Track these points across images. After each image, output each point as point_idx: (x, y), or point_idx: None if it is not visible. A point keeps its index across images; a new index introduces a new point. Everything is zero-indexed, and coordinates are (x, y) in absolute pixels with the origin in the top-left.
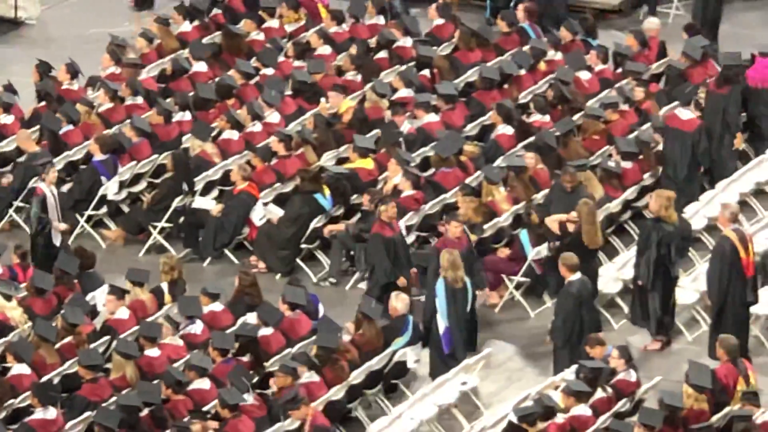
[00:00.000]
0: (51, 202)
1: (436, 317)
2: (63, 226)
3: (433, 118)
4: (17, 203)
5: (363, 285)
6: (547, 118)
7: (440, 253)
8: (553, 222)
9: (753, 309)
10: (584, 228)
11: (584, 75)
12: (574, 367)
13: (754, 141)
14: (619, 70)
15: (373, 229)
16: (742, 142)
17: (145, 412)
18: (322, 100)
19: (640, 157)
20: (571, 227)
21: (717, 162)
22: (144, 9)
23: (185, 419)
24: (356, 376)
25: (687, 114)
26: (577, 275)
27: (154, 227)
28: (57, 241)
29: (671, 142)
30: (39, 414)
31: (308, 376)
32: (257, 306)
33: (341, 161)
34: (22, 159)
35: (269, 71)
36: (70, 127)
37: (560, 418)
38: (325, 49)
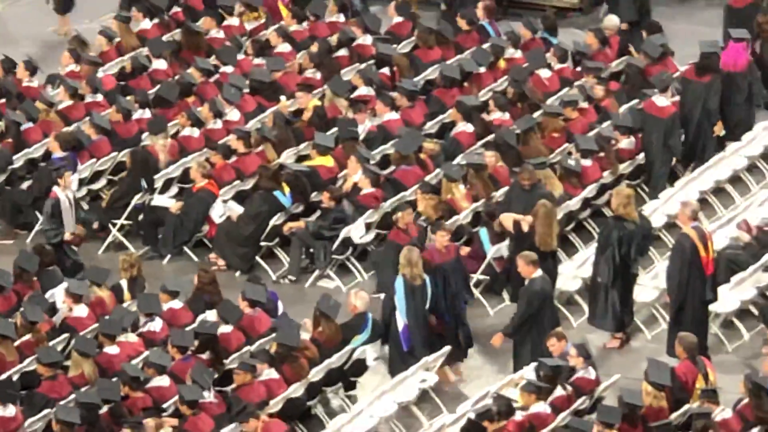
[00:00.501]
0: (66, 207)
1: (395, 315)
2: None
3: (393, 115)
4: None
5: (322, 283)
6: (506, 115)
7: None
8: (507, 219)
9: (712, 307)
10: (538, 230)
11: (544, 73)
12: (534, 364)
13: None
14: (579, 68)
15: (390, 235)
16: (721, 129)
17: (105, 409)
18: (282, 98)
19: (600, 154)
20: (525, 227)
21: (699, 151)
22: (66, 12)
23: (140, 417)
24: (316, 374)
25: (663, 101)
26: (538, 272)
27: (114, 225)
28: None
29: (649, 131)
30: None
31: (267, 374)
32: (216, 303)
33: (301, 159)
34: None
35: (228, 69)
36: (30, 124)
37: (519, 415)
38: (285, 47)
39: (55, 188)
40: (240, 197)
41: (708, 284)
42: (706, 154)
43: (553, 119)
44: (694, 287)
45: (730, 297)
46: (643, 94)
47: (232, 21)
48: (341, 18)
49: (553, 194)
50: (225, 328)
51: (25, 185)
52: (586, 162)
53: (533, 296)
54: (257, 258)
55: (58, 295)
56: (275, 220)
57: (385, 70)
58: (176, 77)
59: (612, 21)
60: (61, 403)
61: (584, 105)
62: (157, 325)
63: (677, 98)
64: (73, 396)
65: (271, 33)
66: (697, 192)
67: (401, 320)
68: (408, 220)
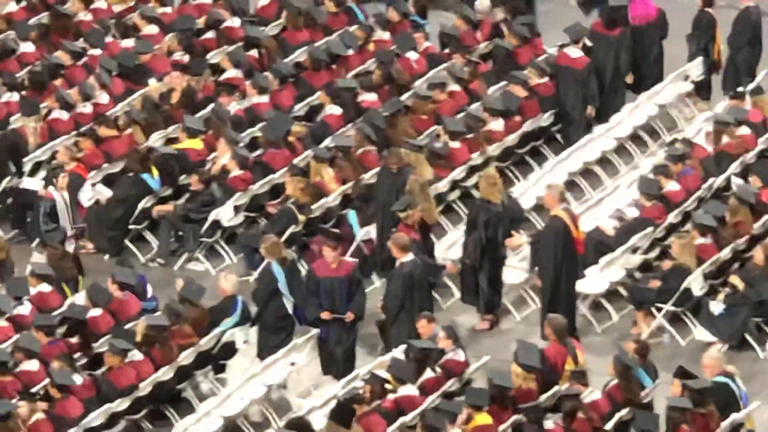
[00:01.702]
0: (61, 207)
1: (273, 300)
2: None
3: (261, 98)
4: None
5: (191, 265)
6: (374, 97)
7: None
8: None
9: (581, 288)
10: (422, 205)
11: (412, 55)
12: (403, 346)
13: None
14: (447, 50)
15: (398, 229)
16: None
17: None
18: (151, 80)
19: (469, 136)
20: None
21: (607, 104)
22: None
23: (13, 400)
24: (185, 357)
25: (576, 52)
26: (409, 256)
27: None
28: (71, 249)
29: (564, 82)
30: None
31: (133, 355)
32: (73, 279)
33: (170, 142)
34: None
35: (96, 52)
36: None
37: (389, 397)
38: (152, 29)
39: (50, 189)
40: (109, 180)
41: (580, 265)
42: (616, 107)
43: (423, 102)
44: (568, 268)
45: (599, 278)
46: (512, 76)
47: (100, 4)
48: (209, 0)
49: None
50: (94, 312)
51: None
52: (455, 144)
53: (402, 279)
54: (126, 241)
55: None
56: (144, 203)
57: (254, 53)
58: (44, 60)
59: (483, 4)
60: None
61: (454, 87)
62: (26, 309)
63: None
64: None
65: (137, 16)
66: (566, 174)
67: (289, 302)
68: (416, 218)
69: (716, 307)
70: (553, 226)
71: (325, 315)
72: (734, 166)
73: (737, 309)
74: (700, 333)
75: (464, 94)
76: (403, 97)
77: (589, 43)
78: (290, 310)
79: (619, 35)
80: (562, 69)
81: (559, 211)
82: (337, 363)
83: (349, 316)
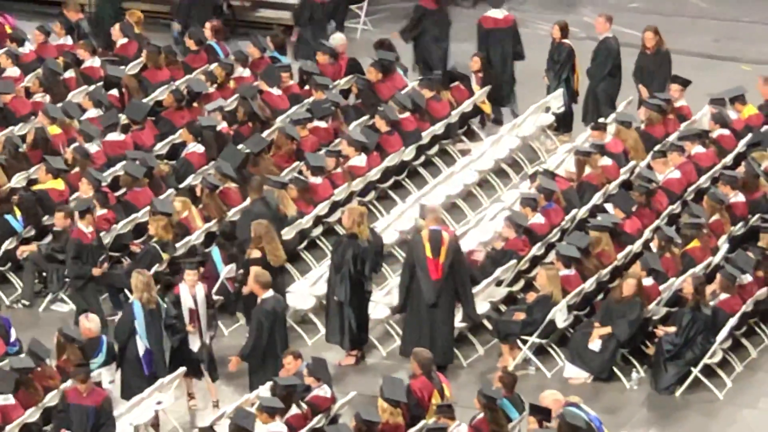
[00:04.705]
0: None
1: (133, 339)
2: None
3: (120, 137)
4: None
5: (56, 306)
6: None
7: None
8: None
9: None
10: (266, 248)
11: (275, 91)
12: (269, 384)
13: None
14: (307, 86)
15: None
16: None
17: None
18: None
19: (333, 171)
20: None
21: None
22: None
23: None
24: (51, 398)
25: (500, 13)
26: (270, 292)
27: None
28: None
29: (494, 44)
30: None
31: (4, 399)
32: None
33: (31, 183)
34: None
35: None
36: None
37: None
38: (14, 71)
39: (79, 224)
40: None
41: (432, 287)
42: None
43: (286, 140)
44: (418, 288)
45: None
46: (376, 110)
47: None
48: (68, 41)
49: (286, 213)
50: None
51: None
52: (317, 180)
53: (265, 316)
54: None
55: None
56: (7, 244)
57: (114, 92)
58: None
59: (338, 39)
60: None
61: (320, 123)
62: None
63: None
64: None
65: (1, 56)
66: (444, 196)
67: (142, 344)
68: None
69: (594, 344)
70: (409, 245)
71: None
72: (597, 197)
73: (608, 343)
74: (569, 370)
75: (330, 130)
76: (265, 134)
77: None
78: (141, 352)
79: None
80: (490, 32)
81: (425, 231)
82: None
83: None
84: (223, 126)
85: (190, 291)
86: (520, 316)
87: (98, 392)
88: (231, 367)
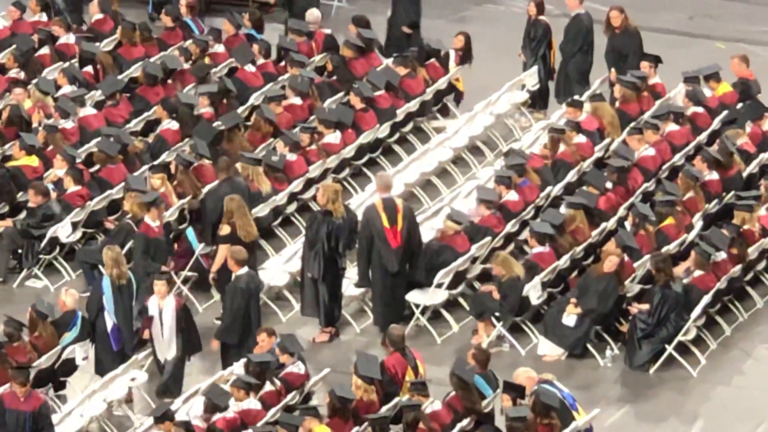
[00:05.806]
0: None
1: (102, 314)
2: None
3: (93, 112)
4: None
5: (30, 282)
6: (211, 110)
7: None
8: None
9: (422, 300)
10: (238, 223)
11: (249, 68)
12: (243, 360)
13: None
14: (283, 62)
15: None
16: None
17: None
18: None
19: (307, 148)
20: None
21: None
22: None
23: None
24: None
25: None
26: (245, 269)
27: None
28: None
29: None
30: None
31: None
32: None
33: (5, 159)
34: None
35: None
36: None
37: (230, 412)
38: None
39: (146, 219)
40: None
41: (393, 256)
42: None
43: (264, 123)
44: (379, 257)
45: (438, 289)
46: (351, 87)
47: None
48: (44, 17)
49: (261, 191)
50: None
51: None
52: (292, 156)
53: (239, 293)
54: None
55: None
56: None
57: (89, 69)
58: None
59: (314, 15)
60: None
61: (295, 100)
62: None
63: None
64: None
65: None
66: (403, 185)
67: (110, 320)
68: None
69: (569, 319)
70: (364, 215)
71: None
72: (571, 174)
73: (584, 320)
74: (543, 347)
75: (302, 107)
76: (240, 110)
77: None
78: (109, 328)
79: None
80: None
81: (377, 200)
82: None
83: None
84: (206, 111)
85: (159, 302)
86: (490, 288)
87: (36, 397)
88: (213, 347)
